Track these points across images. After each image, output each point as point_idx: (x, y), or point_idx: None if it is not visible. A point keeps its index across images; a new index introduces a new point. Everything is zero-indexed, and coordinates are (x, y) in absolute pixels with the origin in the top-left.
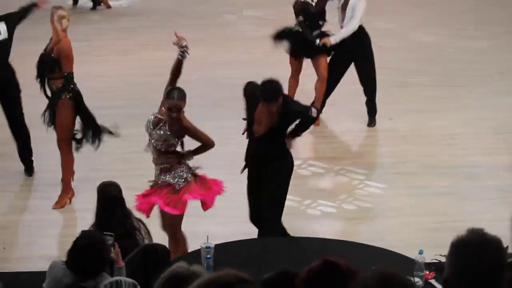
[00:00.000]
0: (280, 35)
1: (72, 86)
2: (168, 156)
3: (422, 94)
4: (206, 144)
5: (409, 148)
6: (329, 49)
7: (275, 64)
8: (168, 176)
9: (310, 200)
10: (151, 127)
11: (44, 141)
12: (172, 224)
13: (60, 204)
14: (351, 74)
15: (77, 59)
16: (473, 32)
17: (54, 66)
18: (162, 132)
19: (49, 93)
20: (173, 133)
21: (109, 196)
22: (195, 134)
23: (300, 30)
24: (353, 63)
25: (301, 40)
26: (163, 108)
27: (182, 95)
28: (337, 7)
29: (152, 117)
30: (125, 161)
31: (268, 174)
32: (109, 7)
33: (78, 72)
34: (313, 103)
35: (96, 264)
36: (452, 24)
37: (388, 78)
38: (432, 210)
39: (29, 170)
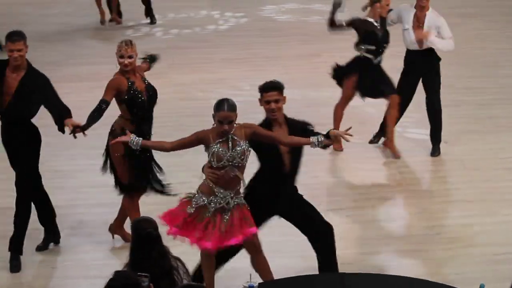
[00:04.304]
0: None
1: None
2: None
3: (479, 113)
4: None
5: (466, 173)
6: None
7: (317, 84)
8: (237, 198)
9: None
10: (226, 150)
11: (70, 174)
12: (258, 240)
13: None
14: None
15: (100, 83)
16: None
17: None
18: (241, 144)
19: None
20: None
21: (144, 233)
22: (265, 132)
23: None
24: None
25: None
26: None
27: (232, 106)
28: (404, 29)
29: (216, 147)
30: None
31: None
32: (119, 23)
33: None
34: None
35: None
36: (507, 36)
37: (441, 97)
38: (492, 240)
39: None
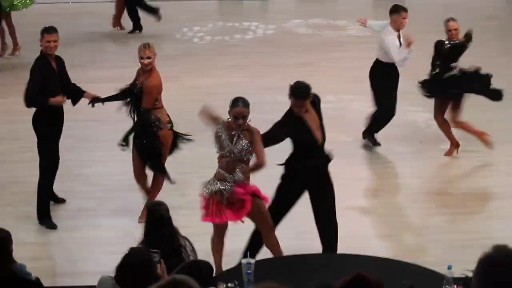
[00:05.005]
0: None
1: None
2: (242, 164)
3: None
4: (259, 163)
5: (439, 169)
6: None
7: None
8: (236, 176)
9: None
10: (229, 143)
11: (91, 163)
12: (270, 219)
13: None
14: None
15: (121, 85)
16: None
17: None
18: (242, 142)
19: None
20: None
21: (157, 215)
22: (257, 145)
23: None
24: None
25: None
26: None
27: (246, 103)
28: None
29: (224, 135)
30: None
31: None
32: (122, 28)
33: None
34: None
35: (143, 280)
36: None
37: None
38: (460, 229)
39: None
